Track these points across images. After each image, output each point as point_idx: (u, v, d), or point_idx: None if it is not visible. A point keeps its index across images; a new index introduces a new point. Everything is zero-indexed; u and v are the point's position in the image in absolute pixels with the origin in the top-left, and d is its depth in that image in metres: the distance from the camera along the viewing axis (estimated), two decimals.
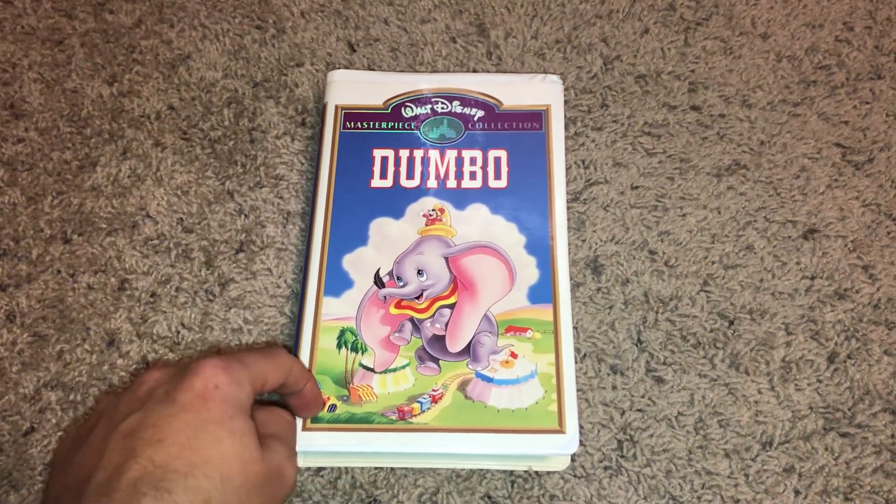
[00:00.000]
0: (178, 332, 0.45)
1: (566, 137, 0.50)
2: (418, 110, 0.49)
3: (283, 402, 0.40)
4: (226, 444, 0.31)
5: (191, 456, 0.30)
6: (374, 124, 0.48)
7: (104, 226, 0.48)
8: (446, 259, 0.44)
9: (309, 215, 0.47)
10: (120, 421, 0.32)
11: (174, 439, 0.31)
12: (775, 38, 0.54)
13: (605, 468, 0.42)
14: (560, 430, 0.40)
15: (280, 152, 0.50)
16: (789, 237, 0.48)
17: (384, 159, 0.47)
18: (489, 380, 0.41)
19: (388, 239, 0.45)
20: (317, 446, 0.40)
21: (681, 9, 0.55)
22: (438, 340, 0.42)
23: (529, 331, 0.42)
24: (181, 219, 0.48)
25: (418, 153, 0.48)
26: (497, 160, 0.47)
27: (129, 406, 0.33)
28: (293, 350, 0.42)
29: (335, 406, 0.40)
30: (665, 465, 0.42)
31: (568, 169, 0.50)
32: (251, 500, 0.32)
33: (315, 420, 0.40)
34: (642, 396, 0.43)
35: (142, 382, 0.34)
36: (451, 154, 0.48)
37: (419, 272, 0.44)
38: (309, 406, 0.39)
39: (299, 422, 0.40)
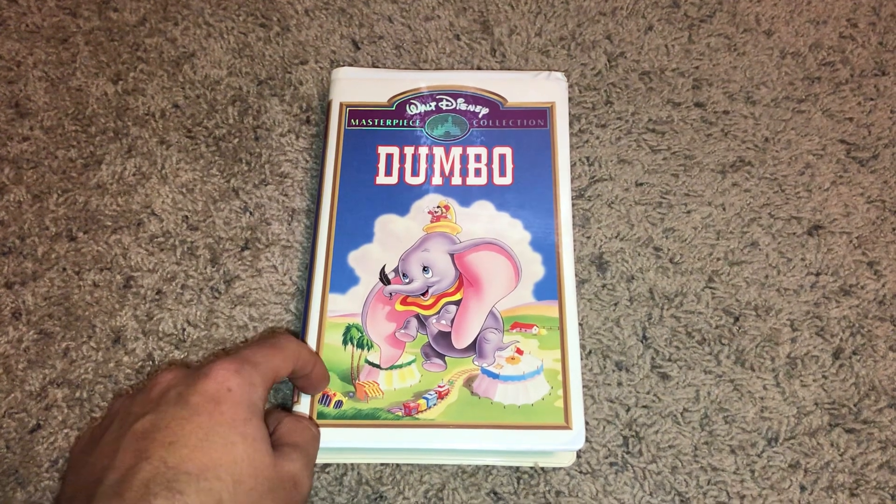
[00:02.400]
0: (184, 330, 0.45)
1: (571, 134, 0.50)
2: (423, 107, 0.49)
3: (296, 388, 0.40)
4: (238, 447, 0.32)
5: (203, 458, 0.30)
6: (378, 121, 0.49)
7: (109, 223, 0.48)
8: (452, 256, 0.44)
9: (314, 212, 0.47)
10: (133, 422, 0.32)
11: (186, 441, 0.31)
12: (779, 35, 0.54)
13: (611, 464, 0.42)
14: (566, 426, 0.40)
15: (285, 150, 0.50)
16: (794, 234, 0.48)
17: (389, 156, 0.47)
18: (495, 376, 0.41)
19: (393, 236, 0.45)
20: (323, 442, 0.39)
21: (685, 6, 0.55)
22: (444, 337, 0.42)
23: (535, 327, 0.42)
24: (186, 216, 0.49)
25: (423, 150, 0.48)
26: (502, 157, 0.47)
27: (143, 407, 0.33)
28: None
29: (341, 402, 0.40)
30: (671, 461, 0.42)
31: (573, 166, 0.50)
32: (262, 503, 0.32)
33: (321, 416, 0.40)
34: (648, 393, 0.44)
35: (155, 384, 0.34)
36: (456, 151, 0.48)
37: (425, 269, 0.44)
38: (316, 385, 0.40)
39: None
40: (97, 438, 0.33)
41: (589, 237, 0.48)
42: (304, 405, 0.40)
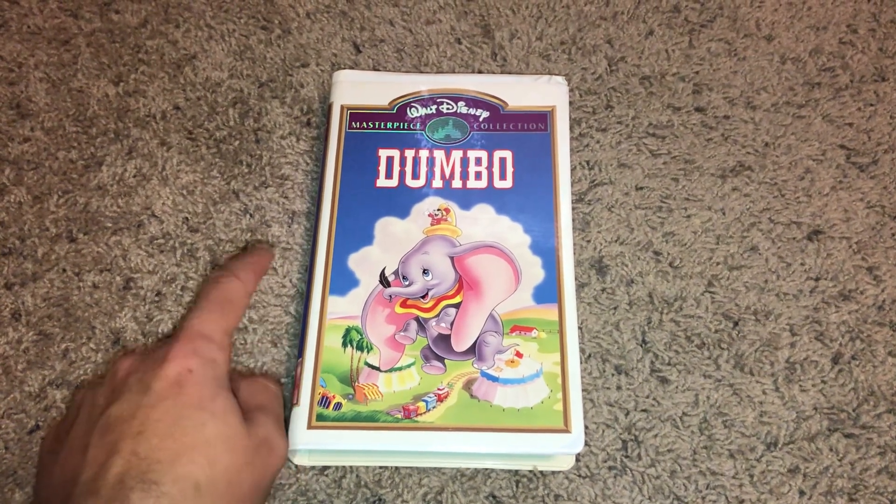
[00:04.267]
0: None
1: (571, 138, 0.50)
2: (423, 111, 0.49)
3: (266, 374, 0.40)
4: (209, 427, 0.31)
5: (174, 444, 0.30)
6: (379, 124, 0.49)
7: (110, 225, 0.48)
8: (452, 259, 0.44)
9: (314, 215, 0.47)
10: (99, 415, 0.32)
11: (155, 429, 0.30)
12: (780, 41, 0.54)
13: (610, 468, 0.42)
14: (565, 430, 0.40)
15: (285, 152, 0.51)
16: (794, 238, 0.48)
17: (389, 159, 0.47)
18: (494, 379, 0.41)
19: (393, 238, 0.45)
20: (322, 445, 0.40)
21: (685, 10, 0.55)
22: (444, 339, 0.42)
23: (535, 330, 0.42)
24: (186, 218, 0.49)
25: (423, 153, 0.48)
26: (502, 161, 0.47)
27: (107, 398, 0.32)
28: (299, 350, 0.42)
29: (340, 404, 0.40)
30: (670, 465, 0.42)
31: (573, 170, 0.50)
32: (241, 477, 0.32)
33: (320, 418, 0.40)
34: (647, 397, 0.44)
35: (115, 372, 0.34)
36: (457, 154, 0.48)
37: (424, 271, 0.44)
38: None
39: (304, 420, 0.40)
40: (63, 436, 0.33)
41: (589, 241, 0.48)
42: (303, 406, 0.40)
